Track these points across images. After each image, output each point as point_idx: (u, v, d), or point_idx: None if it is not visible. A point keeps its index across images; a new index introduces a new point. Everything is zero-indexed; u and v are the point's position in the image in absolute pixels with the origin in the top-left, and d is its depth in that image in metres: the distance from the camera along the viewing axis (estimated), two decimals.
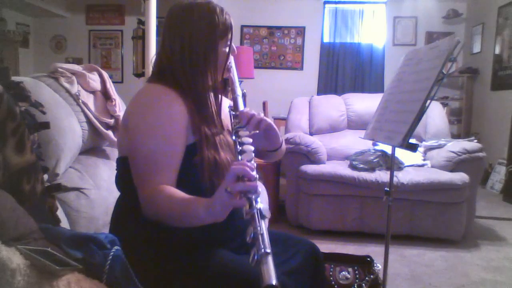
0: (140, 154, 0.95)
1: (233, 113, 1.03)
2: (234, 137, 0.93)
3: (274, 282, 0.63)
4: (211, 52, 1.03)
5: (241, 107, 1.03)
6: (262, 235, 0.69)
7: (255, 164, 0.82)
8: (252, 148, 0.88)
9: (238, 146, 0.90)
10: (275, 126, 1.10)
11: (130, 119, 1.00)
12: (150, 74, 1.10)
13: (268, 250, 0.67)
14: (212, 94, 1.07)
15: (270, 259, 0.66)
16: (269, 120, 1.05)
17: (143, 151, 0.95)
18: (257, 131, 0.99)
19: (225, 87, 1.15)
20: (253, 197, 0.75)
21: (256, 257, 0.66)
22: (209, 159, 0.95)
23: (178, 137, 0.97)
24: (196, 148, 0.97)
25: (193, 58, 1.02)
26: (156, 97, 1.00)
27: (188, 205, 0.85)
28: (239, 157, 0.87)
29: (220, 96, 1.10)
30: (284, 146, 1.20)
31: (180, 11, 1.04)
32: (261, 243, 0.68)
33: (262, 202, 0.76)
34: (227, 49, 1.07)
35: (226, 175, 0.77)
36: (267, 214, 0.74)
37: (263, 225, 0.71)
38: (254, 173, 0.78)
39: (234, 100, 1.05)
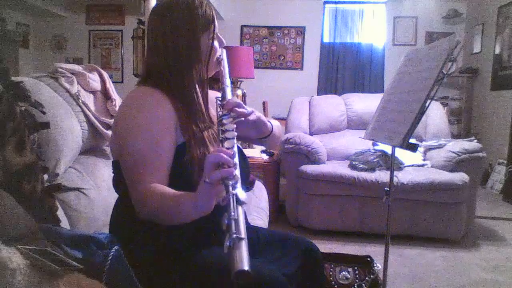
0: (129, 155, 0.95)
1: (220, 102, 1.02)
2: (218, 126, 0.92)
3: (246, 267, 0.60)
4: (194, 46, 1.02)
5: (228, 97, 1.02)
6: (236, 220, 0.67)
7: (235, 151, 0.80)
8: (234, 134, 0.87)
9: (221, 135, 0.89)
10: (262, 118, 1.07)
11: (118, 123, 1.02)
12: (140, 77, 1.10)
13: (243, 236, 0.65)
14: (199, 89, 1.06)
15: (243, 244, 0.64)
16: (255, 115, 1.03)
17: (131, 152, 0.95)
18: (242, 119, 0.96)
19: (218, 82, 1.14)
20: (230, 183, 0.72)
21: (229, 243, 0.64)
22: (198, 157, 0.94)
23: (166, 136, 0.96)
24: (187, 149, 0.96)
25: (176, 55, 1.02)
26: (141, 98, 1.01)
27: (175, 202, 0.84)
28: (220, 145, 0.86)
29: (207, 89, 1.09)
30: (277, 131, 1.16)
31: (160, 10, 1.05)
32: (233, 228, 0.66)
33: (242, 188, 0.74)
34: (211, 42, 1.06)
35: (204, 166, 0.76)
36: (245, 200, 0.72)
37: (240, 211, 0.69)
38: (235, 159, 0.76)
39: (222, 90, 1.04)
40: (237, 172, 0.75)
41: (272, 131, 1.13)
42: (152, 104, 0.99)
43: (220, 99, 1.03)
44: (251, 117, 0.99)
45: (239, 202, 0.71)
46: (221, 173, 0.73)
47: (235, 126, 0.91)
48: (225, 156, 0.74)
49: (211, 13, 1.06)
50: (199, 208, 0.78)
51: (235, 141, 0.86)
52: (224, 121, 0.91)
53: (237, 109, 0.96)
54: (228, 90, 1.04)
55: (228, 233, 0.66)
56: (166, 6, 1.04)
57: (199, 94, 1.06)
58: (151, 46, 1.06)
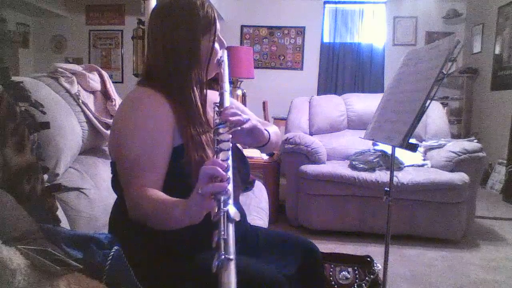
0: (124, 156, 0.95)
1: (217, 109, 0.99)
2: (214, 135, 0.90)
3: None
4: (194, 48, 1.01)
5: (226, 103, 0.99)
6: (225, 240, 0.65)
7: (229, 163, 0.79)
8: (229, 145, 0.85)
9: (216, 145, 0.86)
10: (259, 126, 1.04)
11: (116, 123, 1.02)
12: (139, 78, 1.09)
13: (231, 257, 0.63)
14: (198, 92, 1.05)
15: (231, 266, 0.63)
16: (251, 123, 0.99)
17: (127, 153, 0.94)
18: (238, 128, 0.94)
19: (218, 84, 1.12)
20: (222, 198, 0.71)
21: (217, 263, 0.63)
22: (196, 161, 0.93)
23: (163, 138, 0.96)
24: (183, 150, 0.96)
25: (176, 56, 1.00)
26: (139, 100, 1.00)
27: (166, 207, 0.83)
28: (215, 157, 0.83)
29: (205, 92, 1.08)
30: (274, 139, 1.15)
31: (160, 10, 1.04)
32: (222, 248, 0.64)
33: (233, 204, 0.72)
34: (212, 44, 1.05)
35: (199, 176, 0.74)
36: (236, 217, 0.70)
37: (230, 229, 0.67)
38: (228, 173, 0.75)
39: (221, 96, 1.02)
40: (230, 187, 0.73)
41: (269, 140, 1.10)
42: (150, 105, 0.98)
43: (218, 105, 1.00)
44: (246, 126, 0.96)
45: (230, 219, 0.69)
46: (214, 187, 0.71)
47: (230, 136, 0.88)
48: (219, 170, 0.73)
49: (213, 14, 1.04)
50: (189, 216, 0.77)
51: (230, 153, 0.84)
52: (220, 131, 0.89)
53: (232, 118, 0.92)
54: (227, 96, 1.02)
55: (217, 252, 0.64)
56: (167, 6, 1.03)
57: (198, 97, 1.05)
58: (151, 46, 1.05)
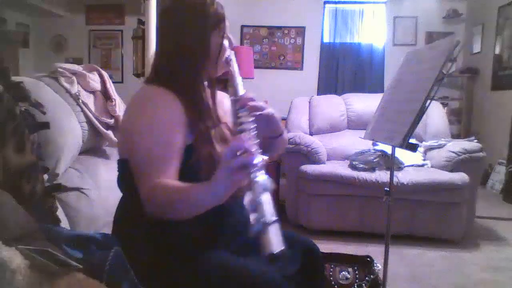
0: (138, 153, 0.96)
1: (234, 98, 1.01)
2: (234, 119, 0.94)
3: (275, 250, 0.64)
4: (204, 44, 1.02)
5: (241, 92, 1.02)
6: (260, 206, 0.70)
7: (255, 140, 0.82)
8: (252, 126, 0.89)
9: (238, 127, 0.91)
10: (276, 115, 1.06)
11: (127, 121, 1.02)
12: (148, 75, 1.10)
13: (267, 221, 0.68)
14: (207, 88, 1.06)
15: (272, 228, 0.67)
16: (269, 110, 1.02)
17: (141, 150, 0.95)
18: (257, 113, 0.97)
19: (226, 83, 1.14)
20: (251, 170, 0.75)
21: (256, 228, 0.67)
22: (204, 156, 0.95)
23: (177, 134, 0.96)
24: (192, 150, 0.97)
25: (186, 53, 1.01)
26: (150, 97, 1.01)
27: (188, 192, 0.85)
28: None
29: (215, 88, 1.10)
30: (285, 135, 1.17)
31: (170, 7, 1.05)
32: (257, 214, 0.69)
33: (264, 175, 0.76)
34: (221, 41, 1.06)
35: (225, 153, 0.77)
36: (269, 185, 0.74)
37: (264, 197, 0.72)
38: (254, 148, 0.78)
39: (235, 88, 1.04)
40: (258, 159, 0.77)
41: (282, 133, 1.13)
42: (161, 102, 0.99)
43: (233, 96, 1.02)
44: (264, 111, 1.00)
45: (262, 188, 0.73)
46: (240, 160, 0.74)
47: (252, 118, 0.92)
48: (243, 143, 0.77)
49: (222, 12, 1.05)
50: (216, 196, 0.79)
51: (253, 131, 0.88)
52: (240, 114, 0.93)
53: (251, 103, 0.96)
54: (240, 87, 1.04)
55: (255, 218, 0.69)
56: (176, 4, 1.04)
57: (208, 93, 1.06)
58: (160, 44, 1.06)
